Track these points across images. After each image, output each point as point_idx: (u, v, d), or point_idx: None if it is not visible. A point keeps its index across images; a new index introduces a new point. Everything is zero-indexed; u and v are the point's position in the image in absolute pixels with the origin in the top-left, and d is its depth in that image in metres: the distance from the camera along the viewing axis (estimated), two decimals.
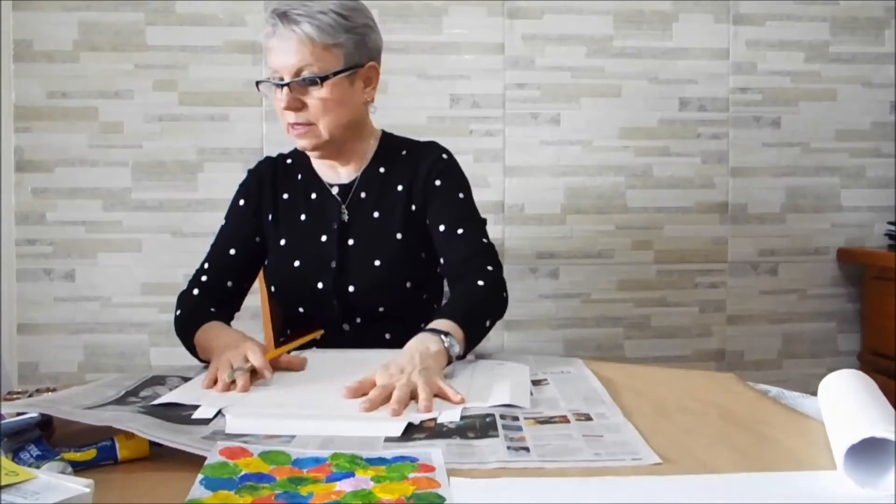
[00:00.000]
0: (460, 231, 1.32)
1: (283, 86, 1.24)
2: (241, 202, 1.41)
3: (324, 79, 1.24)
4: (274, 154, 1.49)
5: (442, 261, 1.35)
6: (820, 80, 2.49)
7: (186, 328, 1.27)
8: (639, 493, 0.66)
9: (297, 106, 1.25)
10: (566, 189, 2.42)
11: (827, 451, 0.73)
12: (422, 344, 1.06)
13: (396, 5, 2.34)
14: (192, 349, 1.26)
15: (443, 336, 1.08)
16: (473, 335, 1.16)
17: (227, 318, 1.32)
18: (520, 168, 2.40)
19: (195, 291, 1.34)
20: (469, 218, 1.36)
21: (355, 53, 1.29)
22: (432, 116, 2.36)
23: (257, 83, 1.30)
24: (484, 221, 1.40)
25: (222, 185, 2.29)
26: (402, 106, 2.33)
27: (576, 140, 2.42)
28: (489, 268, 1.29)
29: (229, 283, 1.36)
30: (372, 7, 2.31)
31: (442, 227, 1.34)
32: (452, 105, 2.37)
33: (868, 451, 0.67)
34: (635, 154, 2.43)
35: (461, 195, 1.38)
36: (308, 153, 1.35)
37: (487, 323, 1.22)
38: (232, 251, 1.38)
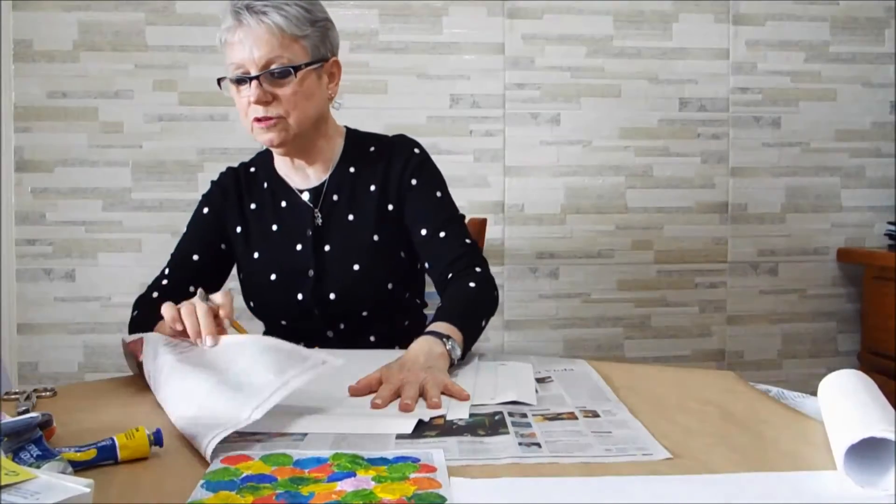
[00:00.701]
0: (443, 234, 1.31)
1: (252, 79, 1.19)
2: (205, 210, 1.38)
3: (297, 69, 1.21)
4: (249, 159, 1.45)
5: (427, 265, 1.33)
6: (820, 80, 2.49)
7: (146, 328, 1.16)
8: (638, 493, 0.66)
9: (268, 99, 1.21)
10: (566, 189, 2.42)
11: (827, 451, 0.73)
12: (426, 345, 1.06)
13: (396, 5, 2.34)
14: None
15: (444, 339, 1.08)
16: (471, 336, 1.16)
17: None
18: (520, 168, 2.40)
19: (154, 294, 1.29)
20: (449, 218, 1.34)
21: (320, 46, 1.25)
22: (432, 116, 2.36)
23: (219, 80, 1.24)
24: (462, 217, 1.38)
25: None
26: (402, 106, 2.33)
27: (576, 140, 2.42)
28: (477, 269, 1.28)
29: (192, 289, 1.26)
30: (372, 7, 2.34)
31: (424, 231, 1.31)
32: (452, 105, 2.37)
33: (868, 451, 0.67)
34: (635, 154, 2.43)
35: (438, 193, 1.35)
36: (274, 149, 1.30)
37: (483, 323, 1.22)
38: (195, 256, 1.34)
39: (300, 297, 1.31)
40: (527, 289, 2.42)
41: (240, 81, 1.21)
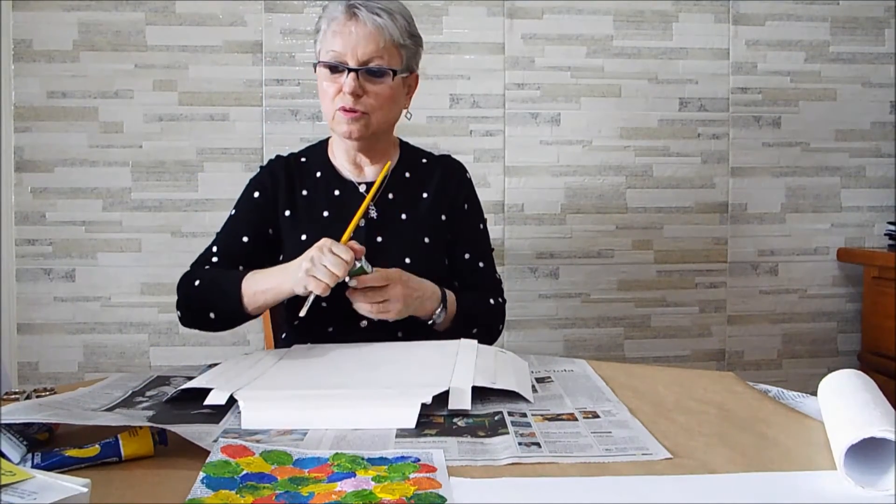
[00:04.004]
0: (481, 264, 1.45)
1: (350, 71, 1.27)
2: (256, 194, 1.41)
3: (395, 73, 1.30)
4: (283, 153, 1.48)
5: (457, 282, 1.44)
6: (820, 80, 2.49)
7: (220, 285, 1.27)
8: (638, 493, 0.66)
9: (360, 93, 1.28)
10: (566, 189, 2.42)
11: (827, 451, 0.73)
12: (430, 290, 1.26)
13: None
14: (223, 309, 1.28)
15: (443, 304, 1.27)
16: (457, 325, 1.31)
17: None
18: (520, 168, 2.40)
19: (206, 267, 1.34)
20: (488, 252, 1.49)
21: (412, 59, 1.36)
22: (432, 116, 2.36)
23: (315, 64, 1.31)
24: (493, 250, 1.53)
25: (222, 185, 2.29)
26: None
27: (576, 140, 2.42)
28: (500, 299, 1.45)
29: (241, 268, 1.32)
30: None
31: (467, 256, 1.44)
32: (452, 105, 2.37)
33: (868, 451, 0.67)
34: (635, 154, 2.43)
35: (482, 226, 1.49)
36: (349, 141, 1.35)
37: (473, 331, 1.32)
38: (245, 238, 1.37)
39: (347, 279, 1.32)
40: (527, 289, 2.42)
41: (333, 69, 1.29)
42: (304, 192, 1.41)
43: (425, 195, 1.43)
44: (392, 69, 1.30)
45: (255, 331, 2.31)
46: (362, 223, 1.37)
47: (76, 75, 2.26)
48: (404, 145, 1.49)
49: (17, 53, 2.25)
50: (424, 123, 2.35)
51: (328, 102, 1.31)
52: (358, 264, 1.17)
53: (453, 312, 1.32)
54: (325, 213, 1.39)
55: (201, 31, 2.29)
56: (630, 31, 2.41)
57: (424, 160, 1.48)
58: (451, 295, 1.32)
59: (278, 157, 1.47)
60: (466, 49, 2.37)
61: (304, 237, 1.38)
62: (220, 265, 1.35)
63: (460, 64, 2.37)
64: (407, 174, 1.44)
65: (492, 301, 1.43)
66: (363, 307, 1.20)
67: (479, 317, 1.38)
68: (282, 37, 2.32)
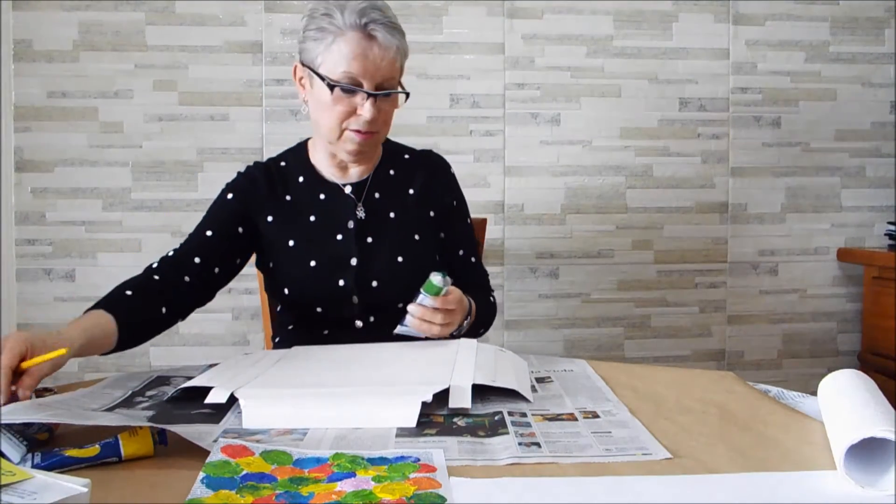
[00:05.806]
0: (473, 259, 1.48)
1: (370, 95, 1.24)
2: (229, 196, 1.38)
3: (407, 95, 1.30)
4: (275, 154, 1.48)
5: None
6: (820, 80, 2.49)
7: (101, 302, 1.16)
8: (638, 493, 0.65)
9: (376, 117, 1.27)
10: (566, 189, 2.42)
11: (827, 451, 0.73)
12: (467, 309, 1.28)
13: (396, 5, 2.32)
14: None
15: (467, 317, 1.28)
16: (471, 330, 1.32)
17: (169, 298, 1.24)
18: (520, 168, 2.40)
19: (154, 264, 1.30)
20: (476, 246, 1.50)
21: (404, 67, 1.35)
22: (432, 116, 2.36)
23: (331, 86, 1.24)
24: (478, 244, 1.56)
25: (222, 185, 2.28)
26: (403, 106, 2.32)
27: (576, 140, 2.42)
28: (492, 297, 1.47)
29: (197, 259, 1.30)
30: None
31: (461, 252, 1.46)
32: (452, 105, 2.37)
33: (868, 451, 0.67)
34: (635, 154, 2.43)
35: (469, 220, 1.50)
36: (353, 156, 1.33)
37: (481, 331, 1.39)
38: (208, 233, 1.34)
39: (341, 282, 1.33)
40: (527, 289, 2.42)
41: (346, 89, 1.24)
42: (288, 198, 1.38)
43: (411, 191, 1.42)
44: (404, 92, 1.30)
45: (255, 331, 2.31)
46: (351, 225, 1.36)
47: (76, 75, 2.27)
48: (386, 142, 1.46)
49: (17, 53, 2.25)
50: (424, 123, 2.35)
51: (335, 121, 1.27)
52: (442, 282, 1.17)
53: (473, 320, 1.33)
54: (312, 218, 1.37)
55: (201, 31, 2.29)
56: (630, 31, 2.41)
57: (407, 156, 1.46)
58: (473, 303, 1.33)
59: (257, 163, 1.43)
60: (466, 49, 2.37)
61: (291, 243, 1.36)
62: (176, 256, 1.31)
63: (460, 64, 2.37)
64: (391, 171, 1.42)
65: (491, 299, 1.46)
66: (424, 327, 1.19)
67: (487, 319, 1.41)
68: (282, 37, 2.32)
